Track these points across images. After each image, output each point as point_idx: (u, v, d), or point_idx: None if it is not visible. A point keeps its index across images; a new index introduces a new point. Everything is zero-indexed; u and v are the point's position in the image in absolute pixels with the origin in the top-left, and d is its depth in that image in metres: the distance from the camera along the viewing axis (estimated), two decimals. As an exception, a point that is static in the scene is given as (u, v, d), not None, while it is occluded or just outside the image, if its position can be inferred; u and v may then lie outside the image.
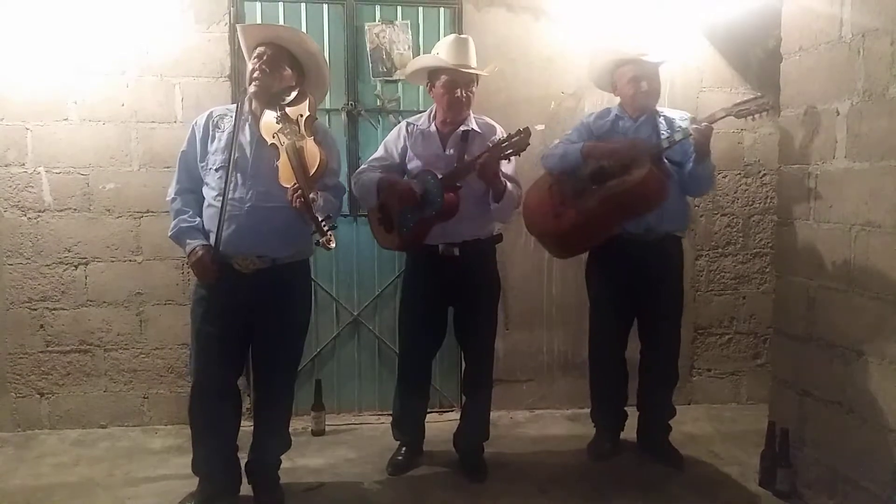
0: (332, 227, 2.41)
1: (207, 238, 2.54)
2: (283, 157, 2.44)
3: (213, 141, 2.59)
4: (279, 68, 2.58)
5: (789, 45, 2.92)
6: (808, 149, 2.80)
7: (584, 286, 3.26)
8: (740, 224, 3.96)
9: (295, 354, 2.80)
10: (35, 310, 3.48)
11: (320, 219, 2.37)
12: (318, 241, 2.42)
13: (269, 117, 2.53)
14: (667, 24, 3.60)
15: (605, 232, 3.03)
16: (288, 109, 2.53)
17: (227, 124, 2.59)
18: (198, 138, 2.61)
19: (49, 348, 3.51)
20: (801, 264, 2.87)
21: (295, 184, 2.39)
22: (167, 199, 2.66)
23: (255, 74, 2.56)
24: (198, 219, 2.59)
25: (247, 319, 2.63)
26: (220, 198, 2.51)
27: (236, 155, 2.53)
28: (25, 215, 3.43)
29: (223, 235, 2.48)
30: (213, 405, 2.64)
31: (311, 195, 2.38)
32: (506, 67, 3.10)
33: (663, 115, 3.04)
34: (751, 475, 3.03)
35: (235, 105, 2.66)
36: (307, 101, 2.58)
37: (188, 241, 2.54)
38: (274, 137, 2.49)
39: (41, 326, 3.49)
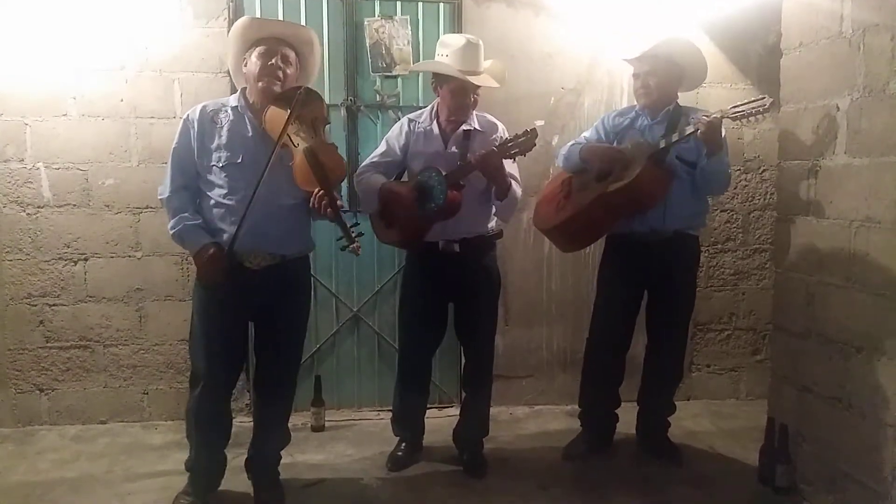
0: (360, 234, 2.43)
1: (213, 237, 2.52)
2: (301, 161, 2.40)
3: (212, 137, 2.54)
4: (292, 66, 2.56)
5: (789, 40, 2.91)
6: (808, 144, 2.80)
7: (583, 282, 3.25)
8: (740, 220, 3.96)
9: (299, 349, 2.80)
10: (34, 306, 3.48)
11: (349, 225, 2.40)
12: (344, 246, 2.43)
13: (277, 115, 2.46)
14: (667, 19, 3.59)
15: (599, 229, 3.04)
16: (302, 111, 2.45)
17: (224, 119, 2.55)
18: (193, 134, 2.54)
19: (49, 344, 3.51)
20: (801, 260, 2.87)
21: (319, 190, 2.38)
22: (160, 196, 2.60)
23: (277, 73, 2.50)
24: (199, 217, 2.54)
25: (251, 317, 2.63)
26: (231, 196, 2.48)
27: (247, 153, 2.50)
28: (24, 211, 3.43)
29: (240, 233, 2.43)
30: (217, 407, 2.65)
31: (338, 201, 2.40)
32: (506, 63, 3.10)
33: (684, 115, 2.95)
34: (750, 471, 3.03)
35: (231, 99, 2.62)
36: (322, 103, 2.55)
37: (197, 240, 2.50)
38: (284, 136, 2.43)
39: (41, 322, 3.49)
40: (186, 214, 2.53)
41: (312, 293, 3.60)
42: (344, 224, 2.41)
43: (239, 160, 2.51)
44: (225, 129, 2.54)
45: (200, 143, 2.54)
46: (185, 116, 2.59)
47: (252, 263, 2.54)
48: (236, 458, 2.98)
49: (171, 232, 2.55)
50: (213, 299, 2.56)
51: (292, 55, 2.58)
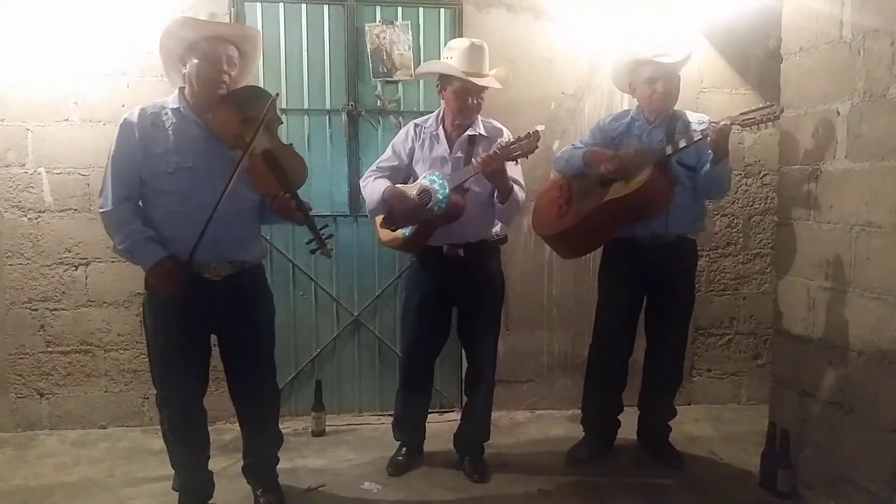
0: (330, 236, 2.42)
1: (166, 248, 2.37)
2: (259, 163, 2.35)
3: (157, 142, 2.37)
4: (236, 67, 2.46)
5: (789, 45, 2.92)
6: (809, 149, 2.80)
7: (584, 287, 3.25)
8: (741, 224, 3.96)
9: (272, 351, 2.71)
10: (35, 310, 3.48)
11: (319, 228, 2.38)
12: (314, 249, 2.41)
13: (226, 116, 2.38)
14: (667, 24, 3.60)
15: (603, 235, 3.02)
16: (254, 111, 2.38)
17: (167, 122, 2.40)
18: (135, 140, 2.36)
19: (49, 349, 3.51)
20: (802, 265, 2.87)
21: (283, 193, 2.36)
22: (101, 209, 2.39)
23: (223, 77, 2.39)
24: (149, 229, 2.37)
25: (214, 330, 2.53)
26: (184, 203, 2.36)
27: (197, 157, 2.39)
28: (26, 216, 3.43)
29: (202, 242, 2.30)
30: (192, 427, 2.60)
31: (305, 203, 2.39)
32: (506, 68, 3.11)
33: (680, 119, 2.97)
34: (751, 476, 3.02)
35: (169, 101, 2.46)
36: (274, 102, 2.46)
37: (150, 254, 2.34)
38: (236, 139, 2.36)
39: (41, 327, 3.49)
40: (135, 227, 2.36)
41: (313, 296, 3.67)
42: (314, 226, 2.39)
43: (189, 164, 2.38)
44: (170, 132, 2.39)
45: (145, 149, 2.37)
46: (121, 122, 2.40)
47: (211, 274, 2.43)
48: (235, 463, 2.98)
49: (120, 247, 2.38)
50: (172, 317, 2.43)
51: (235, 54, 2.45)
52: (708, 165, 2.86)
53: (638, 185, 2.75)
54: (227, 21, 2.61)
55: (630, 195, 2.77)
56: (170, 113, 2.42)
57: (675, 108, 3.03)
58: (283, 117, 3.51)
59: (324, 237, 2.41)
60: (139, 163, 2.37)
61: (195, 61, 2.40)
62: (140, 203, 2.43)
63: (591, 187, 2.95)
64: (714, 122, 2.74)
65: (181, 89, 2.47)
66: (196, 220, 2.31)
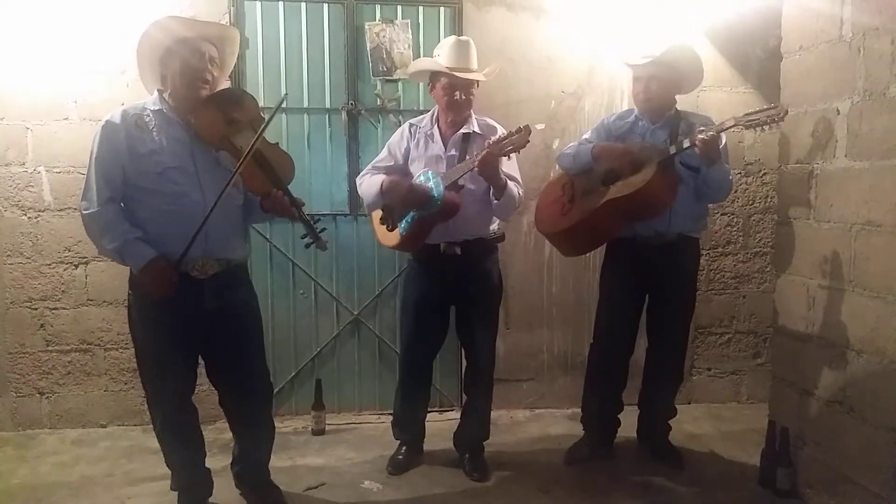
0: (323, 230, 2.45)
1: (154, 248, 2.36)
2: (250, 164, 2.36)
3: (143, 142, 2.36)
4: (217, 68, 2.47)
5: (789, 44, 2.92)
6: (809, 148, 2.80)
7: (584, 285, 3.23)
8: (740, 223, 3.96)
9: (262, 347, 2.71)
10: (35, 309, 3.48)
11: (312, 222, 2.42)
12: (309, 243, 2.45)
13: (211, 118, 2.39)
14: (667, 23, 3.60)
15: (607, 233, 3.02)
16: (238, 113, 2.42)
17: (150, 123, 2.39)
18: (120, 140, 2.35)
19: (49, 348, 3.51)
20: (802, 263, 2.87)
21: (276, 190, 2.40)
22: (85, 211, 2.35)
23: (206, 77, 2.40)
24: (138, 229, 2.35)
25: (202, 327, 2.50)
26: (173, 203, 2.36)
27: (185, 157, 2.41)
28: (26, 215, 3.43)
29: (194, 242, 2.33)
30: (186, 425, 2.61)
31: (298, 198, 2.42)
32: (506, 67, 3.10)
33: (684, 120, 2.97)
34: (751, 474, 3.03)
35: (149, 102, 2.44)
36: (256, 103, 2.51)
37: (142, 254, 2.33)
38: (223, 141, 2.38)
39: (41, 326, 3.50)
40: (124, 228, 2.34)
41: (313, 295, 3.67)
42: (308, 221, 2.43)
43: (178, 164, 2.39)
44: (154, 133, 2.39)
45: (130, 150, 2.36)
46: (103, 122, 2.39)
47: (198, 272, 2.43)
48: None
49: (109, 248, 2.35)
50: (162, 317, 2.42)
51: (216, 54, 2.46)
52: (703, 169, 2.86)
53: (642, 184, 2.75)
54: (208, 21, 2.61)
55: (634, 193, 2.77)
56: (151, 115, 2.42)
57: (679, 108, 3.04)
58: (283, 116, 3.54)
59: (318, 231, 2.44)
60: (125, 163, 2.36)
61: (179, 61, 2.39)
62: (121, 204, 2.40)
63: (594, 185, 2.95)
64: (704, 131, 2.73)
65: (160, 91, 2.47)
66: (185, 219, 2.34)
